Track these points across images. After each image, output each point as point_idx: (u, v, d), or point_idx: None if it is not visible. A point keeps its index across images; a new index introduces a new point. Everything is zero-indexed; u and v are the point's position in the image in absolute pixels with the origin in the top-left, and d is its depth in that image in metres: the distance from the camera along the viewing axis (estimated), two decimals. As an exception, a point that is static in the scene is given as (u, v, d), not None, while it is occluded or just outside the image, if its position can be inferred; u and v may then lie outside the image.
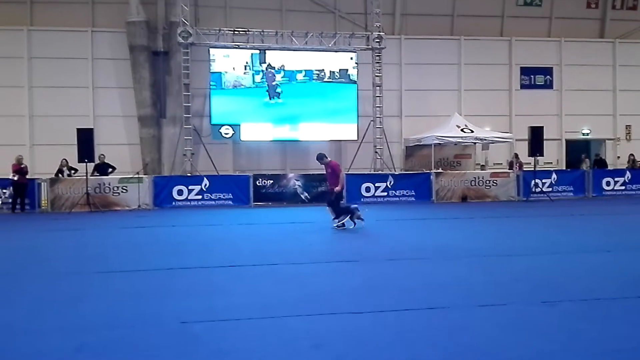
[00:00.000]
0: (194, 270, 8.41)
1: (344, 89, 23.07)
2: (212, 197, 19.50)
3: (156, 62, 23.40)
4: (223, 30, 22.10)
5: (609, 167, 24.81)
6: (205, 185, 19.47)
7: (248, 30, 22.05)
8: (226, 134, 22.43)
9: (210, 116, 22.63)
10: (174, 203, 19.26)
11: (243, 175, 20.67)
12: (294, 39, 22.48)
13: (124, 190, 19.03)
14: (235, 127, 22.41)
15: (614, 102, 26.69)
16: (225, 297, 6.71)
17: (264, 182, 19.99)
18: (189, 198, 19.38)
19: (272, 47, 22.50)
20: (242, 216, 16.64)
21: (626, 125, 26.73)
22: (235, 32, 22.04)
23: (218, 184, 19.71)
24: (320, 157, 13.72)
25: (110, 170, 20.17)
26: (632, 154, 24.57)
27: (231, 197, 19.67)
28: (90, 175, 18.93)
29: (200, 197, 19.43)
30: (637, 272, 7.93)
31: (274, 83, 22.63)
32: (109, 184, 19.01)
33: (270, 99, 22.61)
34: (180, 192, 19.35)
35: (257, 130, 22.59)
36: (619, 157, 26.07)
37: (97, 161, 19.81)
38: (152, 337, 5.27)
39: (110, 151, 22.47)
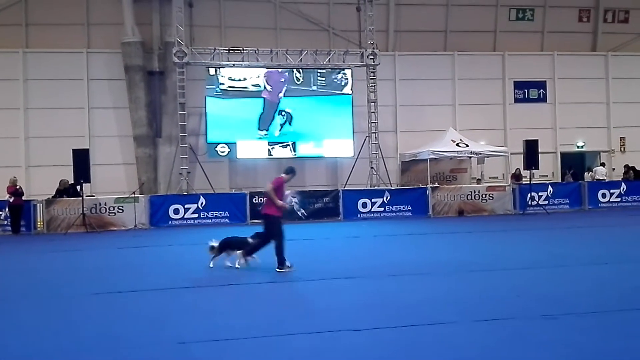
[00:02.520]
0: (192, 290, 8.35)
1: (339, 101, 23.18)
2: (209, 216, 19.43)
3: (152, 81, 23.47)
4: (218, 49, 22.20)
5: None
6: (202, 203, 19.41)
7: (243, 49, 22.17)
8: (222, 152, 22.43)
9: (206, 135, 22.65)
10: (170, 222, 19.18)
11: (239, 193, 20.62)
12: (288, 56, 22.59)
13: (120, 210, 18.94)
14: (231, 145, 22.42)
15: (608, 114, 26.85)
16: (225, 316, 6.66)
17: (261, 200, 19.89)
18: (185, 217, 19.31)
19: (267, 65, 22.60)
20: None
21: (620, 137, 26.85)
22: (230, 51, 22.16)
23: (214, 202, 19.65)
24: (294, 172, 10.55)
25: (79, 187, 18.90)
26: (627, 165, 24.66)
27: (228, 215, 19.60)
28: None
29: (196, 215, 19.36)
30: (636, 284, 7.92)
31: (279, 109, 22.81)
32: (105, 204, 18.92)
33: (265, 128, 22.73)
34: (176, 211, 19.28)
35: (253, 147, 22.60)
36: (614, 168, 26.13)
37: (60, 187, 19.46)
38: (150, 358, 5.21)
39: (106, 171, 22.49)
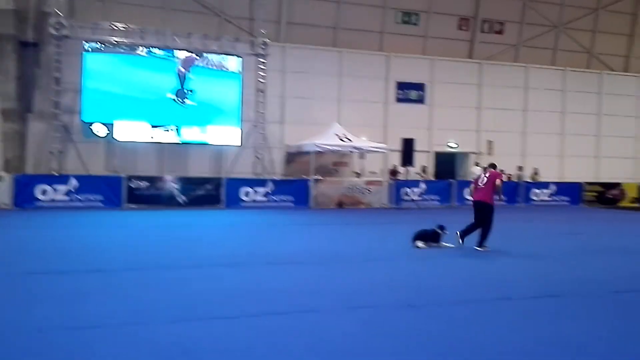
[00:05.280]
0: (57, 276, 7.92)
1: (227, 80, 23.01)
2: (81, 199, 18.44)
3: (24, 53, 21.69)
4: (100, 24, 21.02)
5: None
6: (74, 185, 18.38)
7: (127, 27, 21.17)
8: (98, 132, 21.33)
9: (82, 113, 21.41)
10: (37, 203, 17.98)
11: (115, 176, 19.76)
12: (176, 38, 21.92)
13: (-19, 189, 17.48)
14: (108, 125, 21.37)
15: (478, 118, 28.79)
16: (91, 303, 6.39)
17: (139, 184, 19.26)
18: (54, 199, 18.18)
19: (153, 46, 21.78)
20: (113, 219, 15.93)
21: (488, 141, 28.90)
22: (113, 28, 21.08)
23: (88, 184, 18.69)
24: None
25: None
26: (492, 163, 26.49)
27: (102, 199, 18.74)
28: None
29: (67, 198, 18.29)
30: (492, 276, 8.62)
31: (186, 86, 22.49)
32: (-37, 182, 17.36)
33: (181, 100, 22.38)
34: (44, 192, 18.10)
35: (133, 129, 21.69)
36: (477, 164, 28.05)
37: None
38: (5, 347, 4.90)
39: (-35, 146, 20.57)
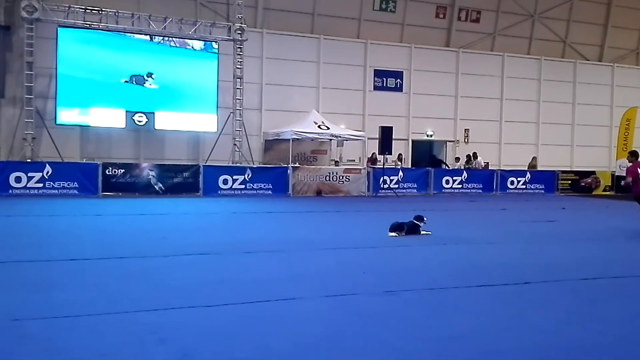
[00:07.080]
0: (30, 264, 7.78)
1: (205, 63, 22.76)
2: (55, 186, 18.16)
3: (-5, 36, 21.29)
4: (73, 7, 20.60)
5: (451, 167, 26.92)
6: (48, 172, 18.08)
7: (101, 10, 20.77)
8: (73, 118, 20.97)
9: (56, 98, 21.00)
10: (10, 191, 17.65)
11: (91, 163, 19.49)
12: (151, 23, 21.58)
13: (-49, 176, 17.08)
14: (84, 111, 21.02)
15: (455, 107, 28.99)
16: (65, 292, 6.28)
17: (115, 171, 19.00)
18: (28, 186, 17.87)
19: (128, 30, 21.42)
20: (88, 207, 15.69)
21: (465, 129, 29.15)
22: (87, 11, 20.65)
23: (62, 171, 18.40)
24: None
25: None
26: (468, 154, 26.77)
27: (77, 186, 18.46)
28: None
29: (41, 185, 18.00)
30: (467, 263, 8.71)
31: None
32: None
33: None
34: (18, 180, 17.77)
35: (109, 116, 21.39)
36: (458, 158, 28.33)
37: None
38: (-22, 338, 4.80)
39: None
